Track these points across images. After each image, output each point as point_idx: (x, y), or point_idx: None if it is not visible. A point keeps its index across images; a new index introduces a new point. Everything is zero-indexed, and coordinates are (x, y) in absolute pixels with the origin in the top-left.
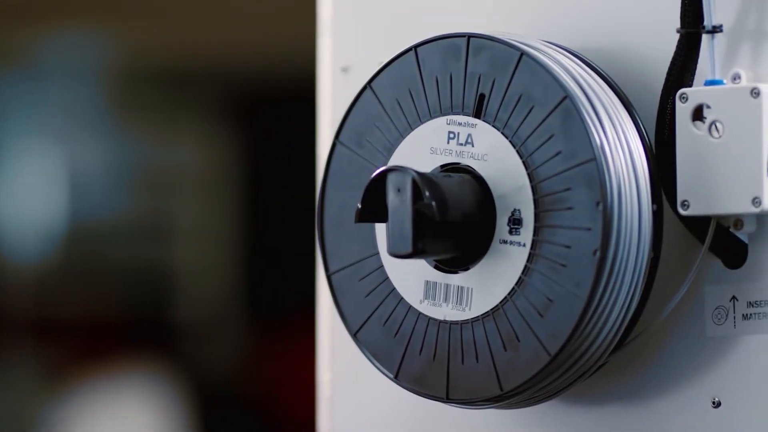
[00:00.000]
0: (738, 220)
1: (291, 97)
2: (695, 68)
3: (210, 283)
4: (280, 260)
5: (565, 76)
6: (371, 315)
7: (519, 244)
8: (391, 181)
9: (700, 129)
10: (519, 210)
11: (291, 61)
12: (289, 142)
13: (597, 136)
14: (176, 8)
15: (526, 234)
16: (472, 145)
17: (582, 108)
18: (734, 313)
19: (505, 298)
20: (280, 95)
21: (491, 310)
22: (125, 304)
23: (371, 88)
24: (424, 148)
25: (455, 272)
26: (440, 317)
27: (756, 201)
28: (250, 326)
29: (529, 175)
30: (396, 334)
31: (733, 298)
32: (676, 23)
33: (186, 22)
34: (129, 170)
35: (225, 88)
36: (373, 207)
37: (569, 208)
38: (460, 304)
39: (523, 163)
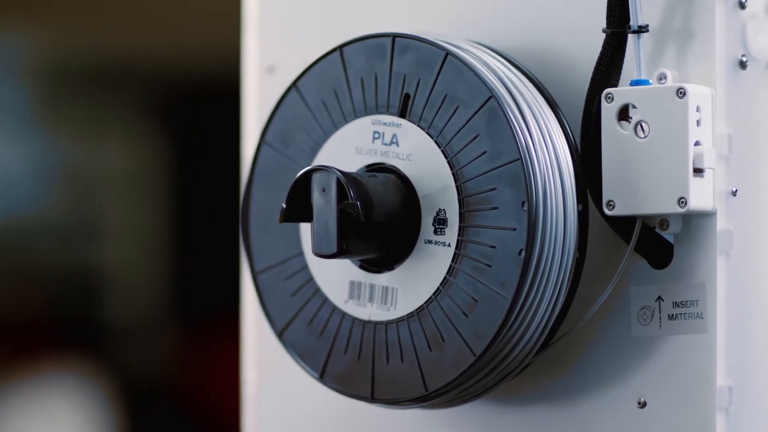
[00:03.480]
0: (663, 221)
1: (217, 97)
2: (621, 68)
3: (137, 283)
4: (207, 260)
5: (490, 76)
6: (296, 315)
7: (444, 244)
8: (316, 180)
9: (626, 129)
10: (444, 210)
11: (217, 60)
12: (216, 141)
13: (522, 136)
14: (102, 7)
15: (451, 234)
16: (397, 145)
17: (507, 108)
18: (660, 313)
19: (430, 298)
20: (206, 95)
21: (416, 310)
22: (52, 304)
23: (297, 88)
24: (349, 148)
25: (380, 272)
26: (365, 317)
27: (682, 201)
28: (177, 326)
29: (454, 175)
30: (321, 334)
31: (659, 298)
32: (603, 23)
33: (112, 21)
34: (55, 170)
35: (151, 87)
36: (298, 207)
37: (494, 208)
38: (385, 304)
39: (448, 163)
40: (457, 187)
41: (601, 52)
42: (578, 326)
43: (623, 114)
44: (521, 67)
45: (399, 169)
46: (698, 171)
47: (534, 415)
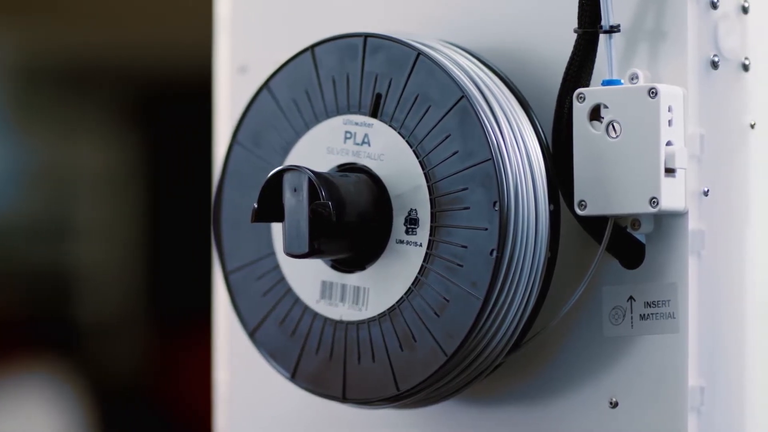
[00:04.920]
0: (635, 221)
1: (190, 97)
2: (593, 68)
3: (109, 283)
4: (180, 260)
5: (462, 76)
6: (268, 314)
7: (416, 244)
8: (288, 180)
9: (598, 129)
10: (416, 210)
11: (189, 60)
12: (188, 141)
13: (494, 136)
14: (75, 7)
15: (423, 234)
16: (369, 145)
17: (479, 108)
18: (631, 313)
19: (402, 298)
20: (178, 95)
21: (388, 310)
22: (25, 304)
23: (268, 87)
24: (320, 148)
25: (352, 272)
26: (336, 317)
27: (653, 201)
28: (151, 326)
29: (425, 174)
30: (293, 333)
31: (631, 298)
32: (574, 23)
33: (85, 21)
34: (28, 169)
35: (124, 87)
36: (270, 207)
37: (466, 208)
38: (357, 304)
39: (420, 162)
40: (428, 187)
41: (572, 52)
42: (550, 326)
43: (595, 114)
44: (493, 67)
45: (370, 169)
46: (670, 171)
47: (506, 415)
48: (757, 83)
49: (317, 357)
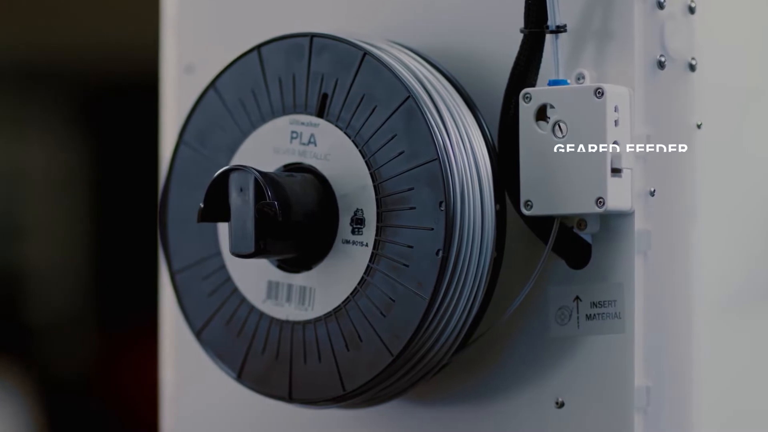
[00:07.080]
0: (581, 221)
1: (137, 96)
2: (539, 68)
3: (56, 283)
4: (126, 260)
5: (408, 76)
6: (214, 314)
7: (362, 243)
8: (234, 180)
9: (544, 129)
10: (362, 210)
11: (136, 59)
12: (136, 141)
13: (440, 136)
14: (21, 7)
15: (369, 234)
16: (315, 145)
17: (425, 108)
18: (578, 313)
19: (348, 298)
20: (125, 94)
21: (334, 310)
22: None
23: (215, 87)
24: (267, 148)
25: (298, 272)
26: (283, 317)
27: (600, 201)
28: (97, 326)
29: (371, 174)
30: (239, 334)
31: (577, 298)
32: (520, 23)
33: (31, 20)
34: None
35: (69, 87)
36: (216, 206)
37: (412, 208)
38: (303, 303)
39: (366, 162)
40: (374, 186)
41: (518, 52)
42: (496, 326)
43: (541, 114)
44: (439, 67)
45: (317, 169)
46: (616, 171)
47: (452, 415)
48: (704, 83)
49: (263, 357)
